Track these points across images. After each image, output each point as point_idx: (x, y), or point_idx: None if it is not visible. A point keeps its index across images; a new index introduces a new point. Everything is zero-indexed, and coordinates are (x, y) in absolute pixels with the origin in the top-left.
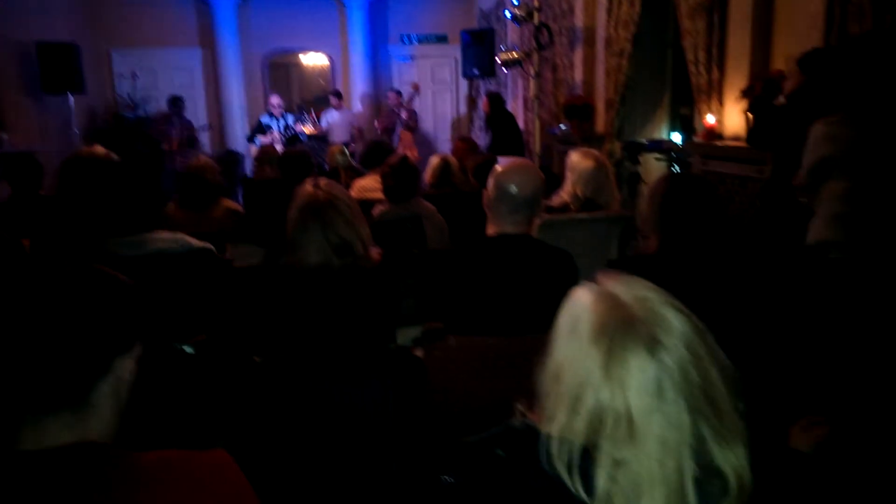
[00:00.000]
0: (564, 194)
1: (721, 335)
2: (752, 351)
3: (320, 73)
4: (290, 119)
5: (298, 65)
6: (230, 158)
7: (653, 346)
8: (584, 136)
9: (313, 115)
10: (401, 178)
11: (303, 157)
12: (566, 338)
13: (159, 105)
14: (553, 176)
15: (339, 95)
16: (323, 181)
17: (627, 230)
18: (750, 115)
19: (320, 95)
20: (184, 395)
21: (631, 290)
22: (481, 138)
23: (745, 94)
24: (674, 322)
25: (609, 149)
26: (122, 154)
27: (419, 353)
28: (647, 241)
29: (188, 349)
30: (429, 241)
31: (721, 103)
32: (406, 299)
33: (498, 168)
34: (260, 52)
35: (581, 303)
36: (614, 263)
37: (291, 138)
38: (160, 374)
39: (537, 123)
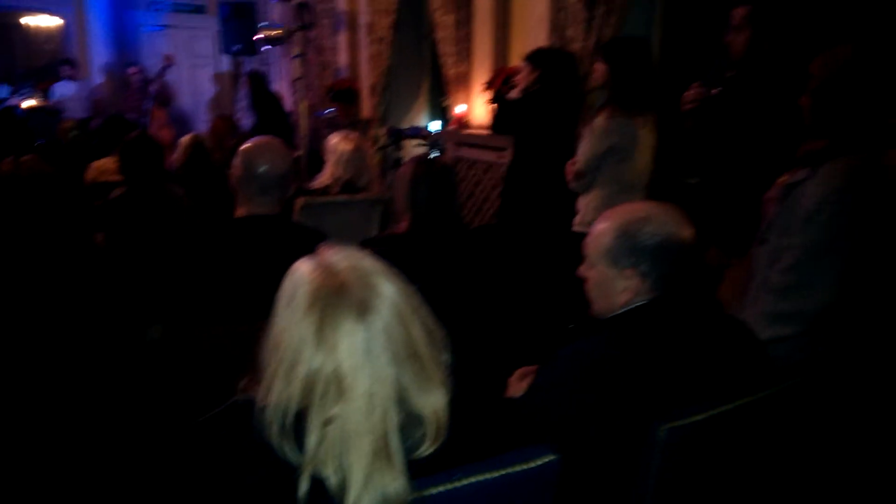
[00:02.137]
0: (325, 177)
1: (455, 302)
2: (481, 315)
3: (50, 36)
4: (4, 90)
5: (20, 26)
6: None
7: (363, 310)
8: (351, 121)
9: (42, 85)
10: (139, 157)
11: None
12: (284, 308)
13: None
14: (320, 159)
15: (72, 64)
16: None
17: (387, 211)
18: (492, 106)
19: (49, 63)
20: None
21: (346, 260)
22: (247, 118)
23: (487, 86)
24: (383, 288)
25: (374, 134)
26: None
27: None
28: (400, 221)
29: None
30: (174, 225)
31: (470, 94)
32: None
33: (245, 146)
34: None
35: (299, 274)
36: (367, 242)
37: (45, 112)
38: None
39: (303, 106)
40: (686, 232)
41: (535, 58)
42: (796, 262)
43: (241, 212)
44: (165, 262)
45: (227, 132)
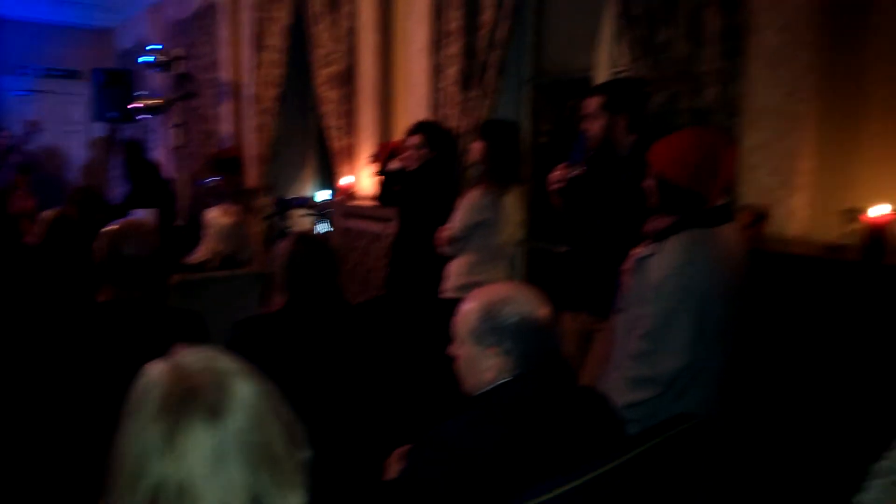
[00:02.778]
0: (204, 251)
1: (336, 384)
2: (361, 393)
3: None
4: None
5: None
6: None
7: (215, 414)
8: (235, 190)
9: None
10: None
11: None
12: (131, 415)
13: None
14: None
15: None
16: None
17: (269, 287)
18: (378, 179)
19: None
20: None
21: (199, 361)
22: (121, 188)
23: (373, 159)
24: (238, 389)
25: (260, 203)
26: None
27: None
28: (276, 299)
29: None
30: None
31: (356, 166)
32: None
33: (110, 228)
34: None
35: (148, 377)
36: (241, 323)
37: None
38: None
39: (184, 175)
40: (543, 311)
41: (422, 130)
42: (649, 329)
43: (104, 295)
44: (14, 351)
45: (92, 203)
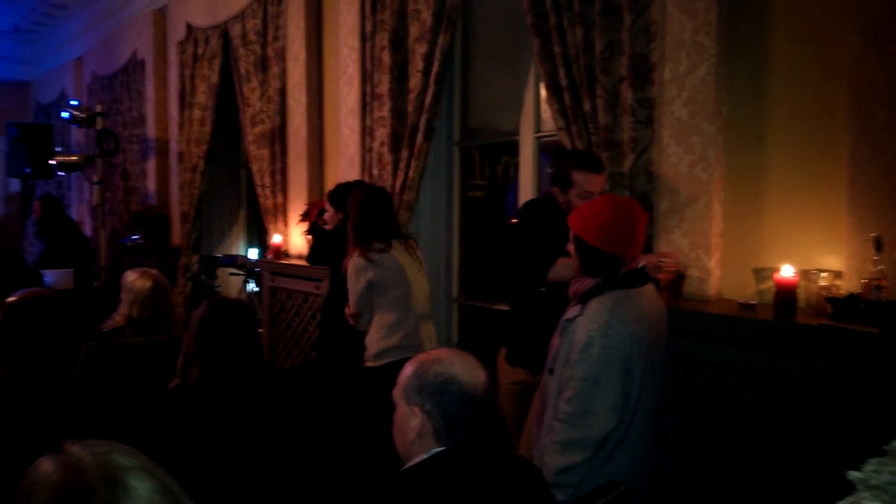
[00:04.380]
0: (119, 317)
1: (260, 457)
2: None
3: None
4: None
5: None
6: None
7: None
8: (158, 248)
9: None
10: None
11: None
12: None
13: None
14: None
15: None
16: None
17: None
18: (308, 237)
19: None
20: None
21: (94, 456)
22: (35, 246)
23: (303, 217)
24: (136, 489)
25: (185, 262)
26: None
27: None
28: (191, 370)
29: None
30: None
31: (286, 224)
32: None
33: (11, 300)
34: None
35: (39, 476)
36: (154, 396)
37: None
38: None
39: (103, 233)
40: (475, 377)
41: (332, 193)
42: (577, 391)
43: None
44: None
45: (6, 264)
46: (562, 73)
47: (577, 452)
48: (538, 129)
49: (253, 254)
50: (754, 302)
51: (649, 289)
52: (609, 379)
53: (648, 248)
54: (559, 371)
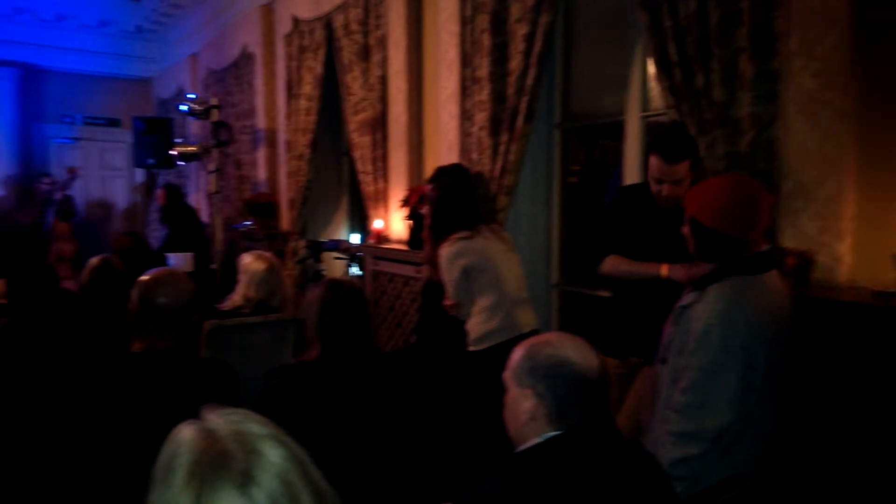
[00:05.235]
0: (237, 297)
1: (370, 437)
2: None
3: None
4: None
5: None
6: None
7: (244, 482)
8: (269, 234)
9: None
10: (27, 283)
11: None
12: (160, 482)
13: None
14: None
15: None
16: None
17: (302, 332)
18: (409, 222)
19: None
20: None
21: (230, 424)
22: (158, 232)
23: (404, 203)
24: (269, 455)
25: (293, 247)
26: None
27: None
28: (311, 348)
29: None
30: (60, 359)
31: (387, 209)
32: None
33: (143, 278)
34: None
35: (178, 441)
36: (276, 372)
37: None
38: None
39: (219, 219)
40: (587, 361)
41: (433, 178)
42: (693, 382)
43: (137, 346)
44: (46, 402)
45: (135, 248)
46: (672, 48)
47: (692, 445)
48: (645, 108)
49: (355, 239)
50: (893, 290)
51: (773, 275)
52: (728, 370)
53: (771, 233)
54: (673, 360)
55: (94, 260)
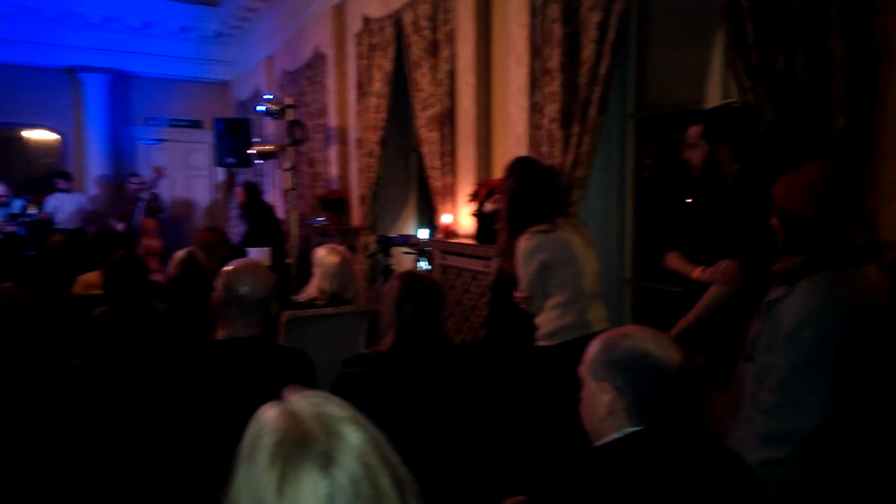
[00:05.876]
0: (312, 289)
1: (441, 428)
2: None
3: (48, 150)
4: (19, 205)
5: (22, 140)
6: None
7: (326, 463)
8: (341, 229)
9: (37, 197)
10: (123, 276)
11: None
12: (246, 460)
13: None
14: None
15: (66, 177)
16: None
17: (374, 324)
18: (476, 216)
19: (45, 176)
20: None
21: (312, 406)
22: (237, 228)
23: (472, 197)
24: (350, 438)
25: (364, 242)
26: None
27: None
28: (385, 338)
29: None
30: (154, 345)
31: (455, 205)
32: None
33: (227, 268)
34: None
35: (262, 422)
36: (351, 361)
37: (38, 224)
38: None
39: (294, 215)
40: (667, 354)
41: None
42: (782, 381)
43: (221, 334)
44: (142, 383)
45: (217, 243)
46: (749, 29)
47: (779, 447)
48: (726, 95)
49: (423, 234)
50: None
51: (871, 269)
52: (821, 370)
53: (870, 224)
54: (760, 357)
55: (179, 253)
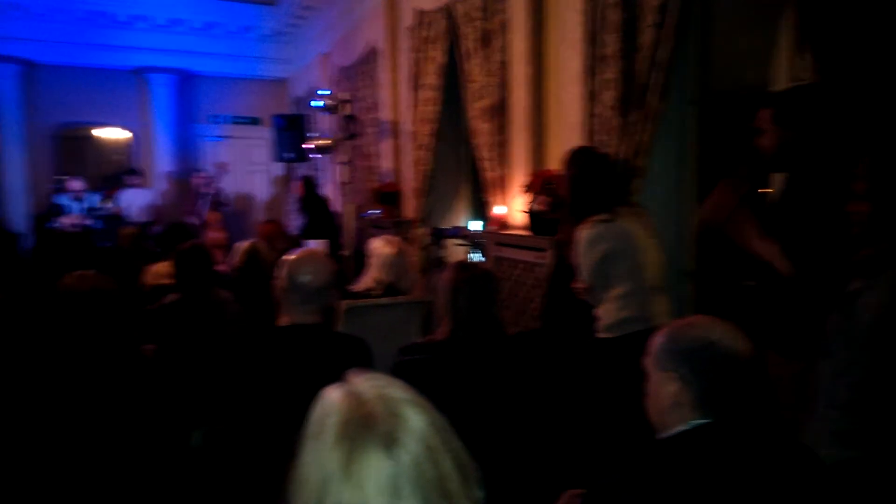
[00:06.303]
0: (368, 279)
1: (496, 417)
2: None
3: (118, 148)
4: (96, 199)
5: (94, 138)
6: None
7: (390, 444)
8: (395, 222)
9: (109, 193)
10: (192, 266)
11: None
12: (312, 440)
13: None
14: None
15: (137, 173)
16: None
17: (429, 314)
18: (530, 208)
19: (116, 172)
20: None
21: (375, 388)
22: (295, 220)
23: (527, 189)
24: (412, 419)
25: (418, 234)
26: None
27: None
28: (440, 327)
29: None
30: (222, 331)
31: (508, 196)
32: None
33: (289, 257)
34: (48, 124)
35: (327, 403)
36: (407, 349)
37: (111, 218)
38: None
39: (350, 208)
40: (734, 344)
41: (569, 158)
42: (863, 378)
43: (284, 320)
44: (211, 368)
45: (277, 235)
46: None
47: (853, 447)
48: (793, 78)
49: (475, 225)
50: None
51: None
52: None
53: None
54: (838, 353)
55: (243, 244)
